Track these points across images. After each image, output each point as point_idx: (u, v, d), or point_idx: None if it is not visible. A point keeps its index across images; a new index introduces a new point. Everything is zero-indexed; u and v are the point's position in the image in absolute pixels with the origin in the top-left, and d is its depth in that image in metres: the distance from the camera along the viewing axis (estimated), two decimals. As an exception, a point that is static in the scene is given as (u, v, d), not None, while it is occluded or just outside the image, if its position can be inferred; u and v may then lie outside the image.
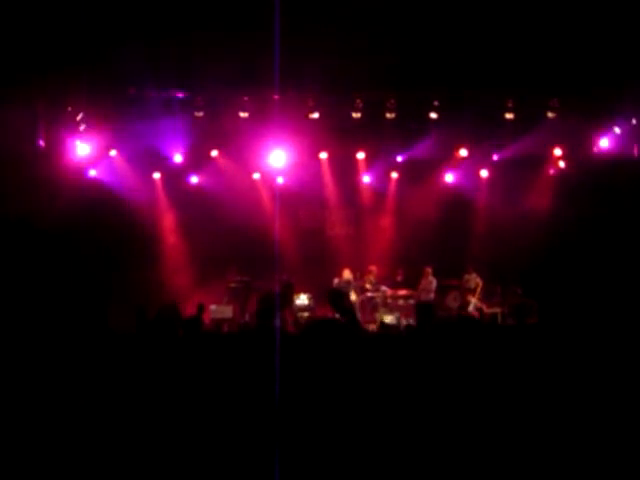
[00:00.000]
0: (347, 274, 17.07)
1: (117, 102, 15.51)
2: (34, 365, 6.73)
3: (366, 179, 18.33)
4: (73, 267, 14.66)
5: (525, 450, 5.86)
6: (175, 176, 17.55)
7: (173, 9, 12.22)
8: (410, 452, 5.82)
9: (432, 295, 16.82)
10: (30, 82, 13.90)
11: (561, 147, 16.98)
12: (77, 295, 13.58)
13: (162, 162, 17.08)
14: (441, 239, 17.31)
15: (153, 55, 13.22)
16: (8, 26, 11.99)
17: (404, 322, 15.64)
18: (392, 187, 18.45)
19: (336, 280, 17.03)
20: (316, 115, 15.77)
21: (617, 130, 16.14)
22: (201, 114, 15.73)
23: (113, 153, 16.60)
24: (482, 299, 16.62)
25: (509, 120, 15.83)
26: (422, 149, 16.79)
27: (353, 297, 16.88)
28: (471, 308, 16.23)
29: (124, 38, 12.58)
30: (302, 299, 16.68)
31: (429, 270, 16.94)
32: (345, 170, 17.96)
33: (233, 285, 16.98)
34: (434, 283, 16.93)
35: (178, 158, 16.98)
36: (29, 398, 6.39)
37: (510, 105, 15.70)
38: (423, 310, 14.50)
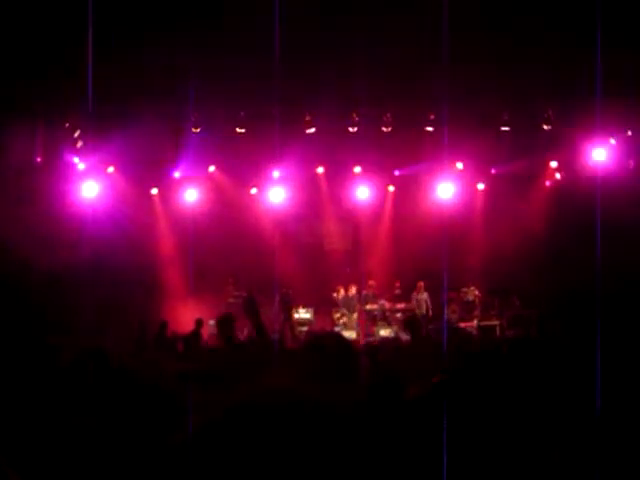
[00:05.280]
0: (346, 290, 17.08)
1: (114, 118, 15.52)
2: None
3: (363, 193, 18.37)
4: (70, 283, 14.63)
5: (521, 459, 5.87)
6: (173, 191, 17.58)
7: (173, 24, 12.25)
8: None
9: (424, 309, 16.83)
10: (29, 99, 13.95)
11: (557, 159, 17.05)
12: (73, 312, 13.56)
13: (160, 178, 17.13)
14: (438, 252, 17.30)
15: (151, 71, 13.28)
16: (7, 42, 12.03)
17: (404, 336, 15.62)
18: (389, 200, 18.49)
19: (335, 295, 17.04)
20: (313, 130, 15.81)
21: (612, 141, 16.17)
22: (198, 130, 15.78)
23: (111, 169, 16.62)
24: (480, 312, 16.64)
25: (505, 133, 15.89)
26: (418, 162, 16.84)
27: (353, 312, 16.90)
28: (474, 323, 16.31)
29: (121, 54, 12.62)
30: (301, 313, 16.68)
31: (421, 284, 17.00)
32: (342, 184, 18.00)
33: (231, 300, 16.97)
34: (425, 297, 16.97)
35: (176, 174, 17.03)
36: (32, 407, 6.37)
37: (506, 118, 15.76)
38: (410, 325, 14.49)
